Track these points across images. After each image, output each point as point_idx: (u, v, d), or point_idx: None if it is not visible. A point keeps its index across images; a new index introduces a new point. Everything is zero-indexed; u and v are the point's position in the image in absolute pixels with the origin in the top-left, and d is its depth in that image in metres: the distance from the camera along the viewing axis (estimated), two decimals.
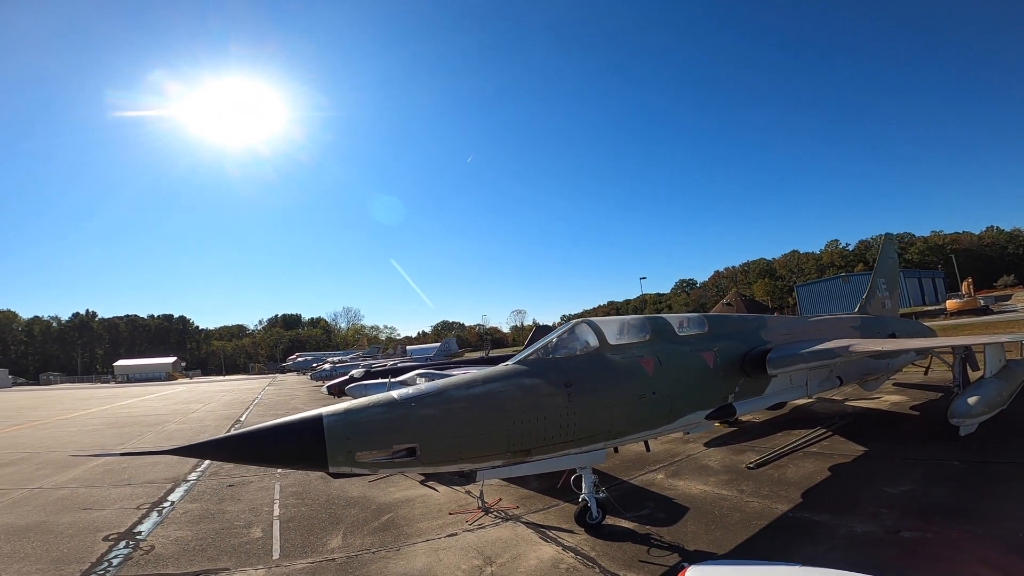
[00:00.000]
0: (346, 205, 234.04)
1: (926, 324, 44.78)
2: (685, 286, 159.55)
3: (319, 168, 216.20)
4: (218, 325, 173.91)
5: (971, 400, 8.68)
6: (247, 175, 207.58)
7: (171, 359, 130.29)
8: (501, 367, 6.92)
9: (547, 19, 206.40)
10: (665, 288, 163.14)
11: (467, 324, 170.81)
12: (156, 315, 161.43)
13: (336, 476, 5.61)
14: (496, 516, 8.26)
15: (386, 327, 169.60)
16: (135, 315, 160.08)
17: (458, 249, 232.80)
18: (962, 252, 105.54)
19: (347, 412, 5.60)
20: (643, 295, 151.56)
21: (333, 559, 6.95)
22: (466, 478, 7.10)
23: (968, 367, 11.15)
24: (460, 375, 6.80)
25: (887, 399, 14.76)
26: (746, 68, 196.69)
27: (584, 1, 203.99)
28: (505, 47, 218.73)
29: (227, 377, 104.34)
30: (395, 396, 6.03)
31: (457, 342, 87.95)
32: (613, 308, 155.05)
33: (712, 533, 6.79)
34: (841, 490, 7.92)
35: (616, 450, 7.88)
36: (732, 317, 10.59)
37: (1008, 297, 67.69)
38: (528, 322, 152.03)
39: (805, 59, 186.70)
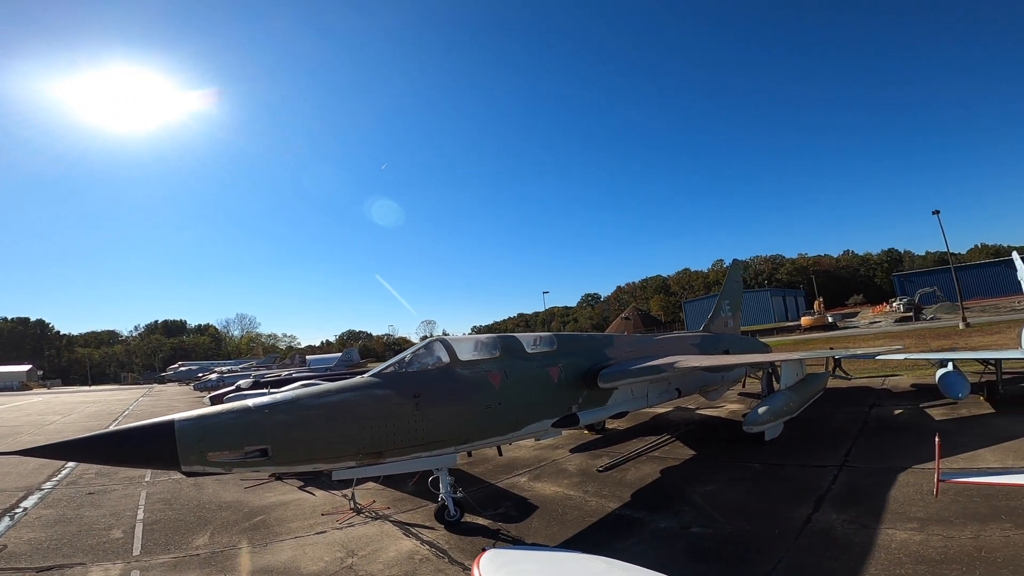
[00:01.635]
0: (242, 205, 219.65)
1: (782, 338, 50.93)
2: (590, 300, 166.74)
3: (212, 164, 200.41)
4: (85, 330, 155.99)
5: (761, 410, 10.48)
6: (125, 167, 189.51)
7: (25, 367, 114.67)
8: (357, 379, 7.79)
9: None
10: (572, 301, 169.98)
11: (375, 334, 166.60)
12: (9, 318, 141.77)
13: (190, 474, 6.16)
14: (367, 516, 8.94)
15: (285, 335, 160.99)
16: None
17: (367, 256, 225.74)
18: (822, 273, 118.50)
19: (200, 417, 6.27)
20: (551, 308, 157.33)
21: (197, 555, 7.36)
22: (325, 477, 7.78)
23: (774, 380, 13.11)
24: (316, 386, 7.55)
25: (728, 407, 16.84)
26: (638, 105, 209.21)
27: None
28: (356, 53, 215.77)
29: (94, 388, 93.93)
30: (250, 404, 6.75)
31: (362, 352, 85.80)
32: (523, 320, 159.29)
33: (551, 528, 7.81)
34: (662, 490, 9.21)
35: (470, 454, 8.90)
36: (582, 336, 12.05)
37: (855, 314, 77.36)
38: (439, 331, 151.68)
39: (689, 97, 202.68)
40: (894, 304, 69.44)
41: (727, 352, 15.43)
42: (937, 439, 6.21)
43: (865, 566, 5.55)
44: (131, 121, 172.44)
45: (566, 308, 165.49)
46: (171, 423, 6.00)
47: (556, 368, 9.61)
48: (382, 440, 7.18)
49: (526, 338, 9.91)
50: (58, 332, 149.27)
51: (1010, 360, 14.73)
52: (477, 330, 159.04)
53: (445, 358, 8.33)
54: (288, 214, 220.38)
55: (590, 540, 7.22)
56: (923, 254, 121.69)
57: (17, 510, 9.89)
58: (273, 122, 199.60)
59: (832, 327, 60.04)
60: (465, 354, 8.62)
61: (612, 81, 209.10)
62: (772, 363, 12.65)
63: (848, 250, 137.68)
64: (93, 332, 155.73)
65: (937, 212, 47.82)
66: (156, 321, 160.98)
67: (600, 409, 10.48)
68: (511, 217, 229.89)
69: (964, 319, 42.06)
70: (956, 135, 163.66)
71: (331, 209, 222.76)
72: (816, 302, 74.60)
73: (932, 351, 23.99)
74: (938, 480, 6.01)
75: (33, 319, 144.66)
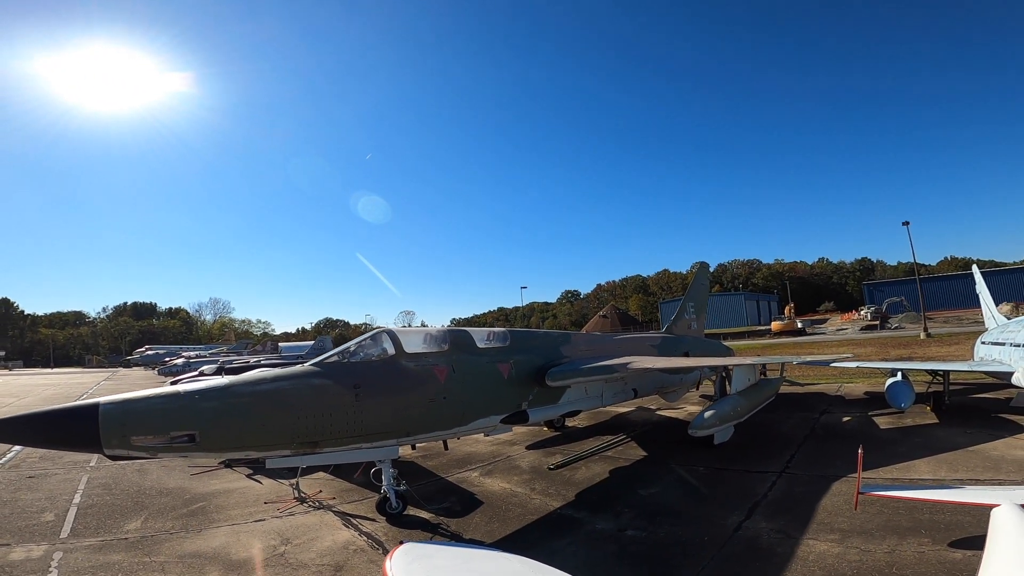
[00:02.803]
0: (220, 188, 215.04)
1: (752, 341, 51.72)
2: (570, 296, 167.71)
3: (191, 146, 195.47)
4: (51, 311, 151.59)
5: (707, 415, 10.58)
6: (101, 146, 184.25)
7: None
8: (296, 368, 7.75)
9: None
10: (552, 297, 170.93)
11: (352, 323, 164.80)
12: None
13: (113, 458, 6.11)
14: (310, 505, 8.91)
15: (260, 321, 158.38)
16: None
17: (346, 244, 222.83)
18: (797, 279, 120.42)
19: (125, 401, 6.20)
20: (531, 303, 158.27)
21: (126, 538, 7.34)
22: (259, 464, 7.75)
23: (727, 384, 13.05)
24: (253, 373, 7.48)
25: (688, 409, 16.96)
26: (625, 103, 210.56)
27: None
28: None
29: (56, 370, 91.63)
30: (180, 389, 6.70)
31: (337, 341, 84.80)
32: (502, 315, 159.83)
33: (490, 525, 7.81)
34: (607, 491, 9.21)
35: (414, 447, 8.85)
36: (537, 333, 12.10)
37: (824, 320, 79.09)
38: (417, 323, 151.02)
39: (677, 96, 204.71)
40: (862, 312, 71.13)
41: (686, 355, 15.62)
42: (860, 452, 6.34)
43: None
44: (107, 100, 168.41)
45: (546, 304, 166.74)
46: (95, 406, 5.95)
47: (507, 364, 9.63)
48: (318, 430, 7.15)
49: (478, 333, 9.92)
50: (23, 312, 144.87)
51: (957, 372, 15.21)
52: (456, 323, 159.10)
53: (391, 350, 8.30)
54: (267, 199, 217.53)
55: (526, 538, 7.23)
56: (895, 264, 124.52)
57: None
58: (255, 107, 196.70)
59: (801, 332, 61.30)
60: (412, 347, 8.59)
61: (598, 77, 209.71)
62: (725, 367, 12.80)
63: (823, 257, 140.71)
64: (59, 313, 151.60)
65: (907, 223, 49.20)
66: (125, 303, 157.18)
67: (552, 407, 10.53)
68: (493, 211, 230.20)
69: (926, 329, 43.41)
70: (931, 150, 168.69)
71: (312, 196, 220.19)
72: (787, 307, 76.15)
73: (889, 360, 24.69)
74: (858, 493, 6.16)
75: None
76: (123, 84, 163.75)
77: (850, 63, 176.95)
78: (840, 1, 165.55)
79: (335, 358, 7.97)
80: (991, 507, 4.79)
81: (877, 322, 62.29)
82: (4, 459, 12.80)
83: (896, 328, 57.55)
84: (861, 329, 60.24)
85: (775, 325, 65.71)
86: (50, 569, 6.40)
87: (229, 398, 6.75)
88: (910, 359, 25.15)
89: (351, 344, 8.40)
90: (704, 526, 7.18)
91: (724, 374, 12.49)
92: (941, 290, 76.13)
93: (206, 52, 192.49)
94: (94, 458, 12.29)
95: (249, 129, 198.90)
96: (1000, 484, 7.88)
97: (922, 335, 41.17)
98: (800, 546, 6.26)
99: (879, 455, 9.92)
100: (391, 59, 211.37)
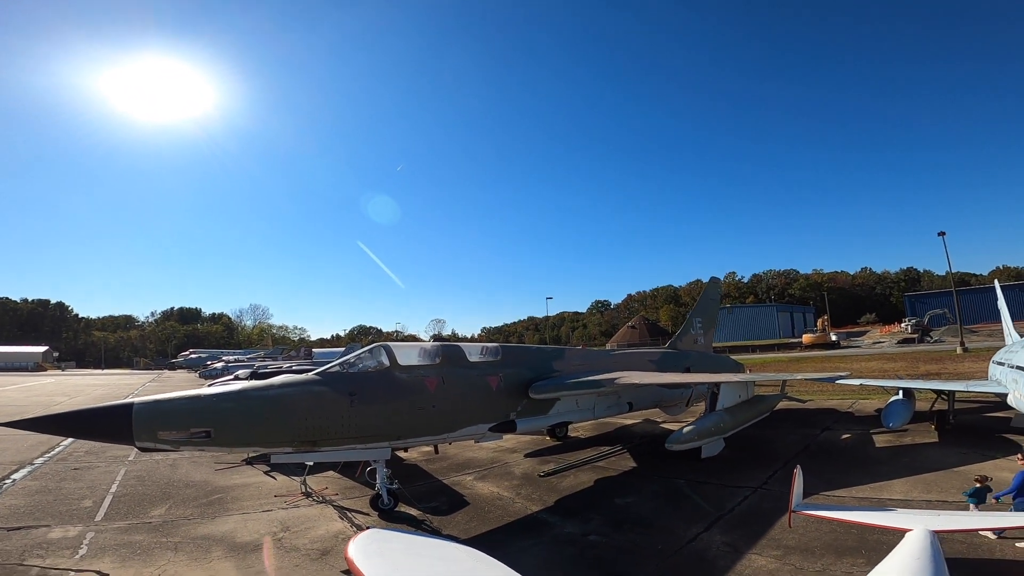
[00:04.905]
0: (262, 197, 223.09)
1: (780, 355, 50.66)
2: (600, 307, 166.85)
3: (236, 156, 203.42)
4: (103, 314, 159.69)
5: (686, 430, 10.93)
6: (151, 156, 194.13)
7: (41, 348, 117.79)
8: (301, 376, 8.76)
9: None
10: (583, 307, 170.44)
11: (384, 330, 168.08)
12: (29, 299, 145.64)
13: (143, 449, 7.21)
14: (314, 500, 9.85)
15: (296, 328, 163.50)
16: (5, 298, 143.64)
17: (380, 253, 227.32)
18: (837, 290, 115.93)
19: (155, 401, 7.30)
20: (562, 313, 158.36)
21: (150, 522, 8.45)
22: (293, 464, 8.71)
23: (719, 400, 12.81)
24: (266, 380, 8.51)
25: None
26: (659, 112, 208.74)
27: None
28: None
29: (106, 371, 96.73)
30: (201, 393, 7.80)
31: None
32: (532, 324, 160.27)
33: (470, 523, 8.50)
34: (585, 498, 9.70)
35: (406, 449, 9.67)
36: (530, 348, 12.75)
37: (863, 333, 76.56)
38: (448, 331, 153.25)
39: (711, 103, 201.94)
40: (903, 325, 68.84)
41: (687, 370, 15.88)
42: (795, 471, 6.61)
43: None
44: (155, 111, 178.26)
45: (576, 314, 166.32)
46: (130, 405, 7.02)
47: (496, 377, 10.36)
48: (316, 431, 8.09)
49: (471, 347, 10.72)
50: (76, 315, 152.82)
51: (962, 392, 14.96)
52: (487, 331, 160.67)
53: (385, 362, 9.18)
54: (306, 209, 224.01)
55: (495, 537, 7.84)
56: (942, 274, 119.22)
57: (6, 481, 11.07)
58: (294, 118, 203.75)
59: (834, 346, 59.89)
60: (405, 360, 9.44)
61: (632, 85, 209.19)
62: (717, 384, 12.83)
63: (865, 267, 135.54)
64: (111, 316, 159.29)
65: (943, 234, 47.65)
66: (172, 308, 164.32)
67: (541, 418, 11.17)
68: (526, 220, 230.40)
69: (963, 343, 41.95)
70: (981, 155, 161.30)
71: (348, 206, 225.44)
72: (819, 320, 74.30)
73: (916, 376, 24.25)
74: (790, 511, 6.50)
75: (53, 301, 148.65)
76: (169, 95, 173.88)
77: (893, 76, 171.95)
78: (881, 15, 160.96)
79: (336, 368, 8.91)
80: (907, 531, 5.12)
81: (916, 335, 60.28)
82: (54, 452, 14.19)
83: (936, 341, 55.64)
84: (899, 342, 58.44)
85: (806, 338, 64.45)
86: (81, 546, 7.47)
87: (241, 401, 7.79)
88: (938, 375, 24.62)
89: (351, 356, 9.34)
90: (663, 535, 7.58)
91: (715, 390, 12.74)
92: (986, 302, 72.26)
93: (247, 64, 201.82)
94: (132, 453, 13.60)
95: (287, 141, 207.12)
96: (932, 508, 7.98)
97: (958, 349, 39.90)
98: (742, 560, 6.57)
99: (861, 473, 10.06)
100: (419, 65, 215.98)
